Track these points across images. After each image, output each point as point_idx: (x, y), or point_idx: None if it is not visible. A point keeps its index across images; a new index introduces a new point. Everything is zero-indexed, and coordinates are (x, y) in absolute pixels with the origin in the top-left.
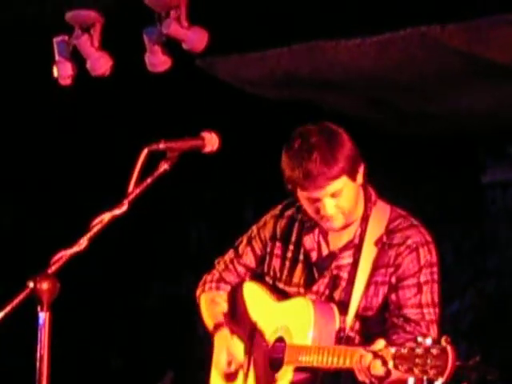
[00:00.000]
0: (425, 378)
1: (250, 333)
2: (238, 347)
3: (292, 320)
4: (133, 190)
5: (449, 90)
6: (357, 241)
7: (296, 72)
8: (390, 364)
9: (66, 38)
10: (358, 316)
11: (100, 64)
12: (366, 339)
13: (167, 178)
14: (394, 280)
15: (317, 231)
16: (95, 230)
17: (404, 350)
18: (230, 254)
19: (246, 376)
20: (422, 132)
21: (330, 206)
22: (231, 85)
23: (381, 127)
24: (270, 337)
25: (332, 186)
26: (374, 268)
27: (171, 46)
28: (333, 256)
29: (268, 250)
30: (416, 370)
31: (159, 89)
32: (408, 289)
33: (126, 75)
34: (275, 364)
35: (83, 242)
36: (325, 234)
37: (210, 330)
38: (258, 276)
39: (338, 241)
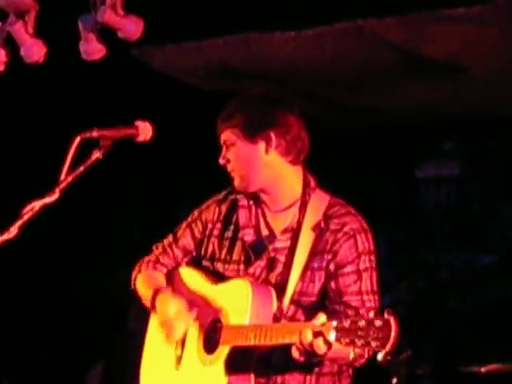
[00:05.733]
0: (366, 350)
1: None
2: (182, 303)
3: (229, 301)
4: (65, 178)
5: (384, 85)
6: (295, 225)
7: (231, 64)
8: (332, 336)
9: (0, 24)
10: (293, 301)
11: (34, 51)
12: None
13: (100, 170)
14: (332, 267)
15: (254, 210)
16: (26, 217)
17: (346, 323)
18: (169, 238)
19: (179, 359)
20: (358, 126)
21: (222, 155)
22: (166, 74)
23: (316, 120)
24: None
25: (224, 134)
26: (311, 253)
27: (107, 34)
28: (271, 238)
29: (207, 232)
30: (358, 343)
31: (93, 77)
32: (347, 276)
33: (60, 63)
34: (211, 345)
35: (13, 230)
36: (264, 215)
37: (149, 302)
38: (194, 262)
39: (276, 223)
